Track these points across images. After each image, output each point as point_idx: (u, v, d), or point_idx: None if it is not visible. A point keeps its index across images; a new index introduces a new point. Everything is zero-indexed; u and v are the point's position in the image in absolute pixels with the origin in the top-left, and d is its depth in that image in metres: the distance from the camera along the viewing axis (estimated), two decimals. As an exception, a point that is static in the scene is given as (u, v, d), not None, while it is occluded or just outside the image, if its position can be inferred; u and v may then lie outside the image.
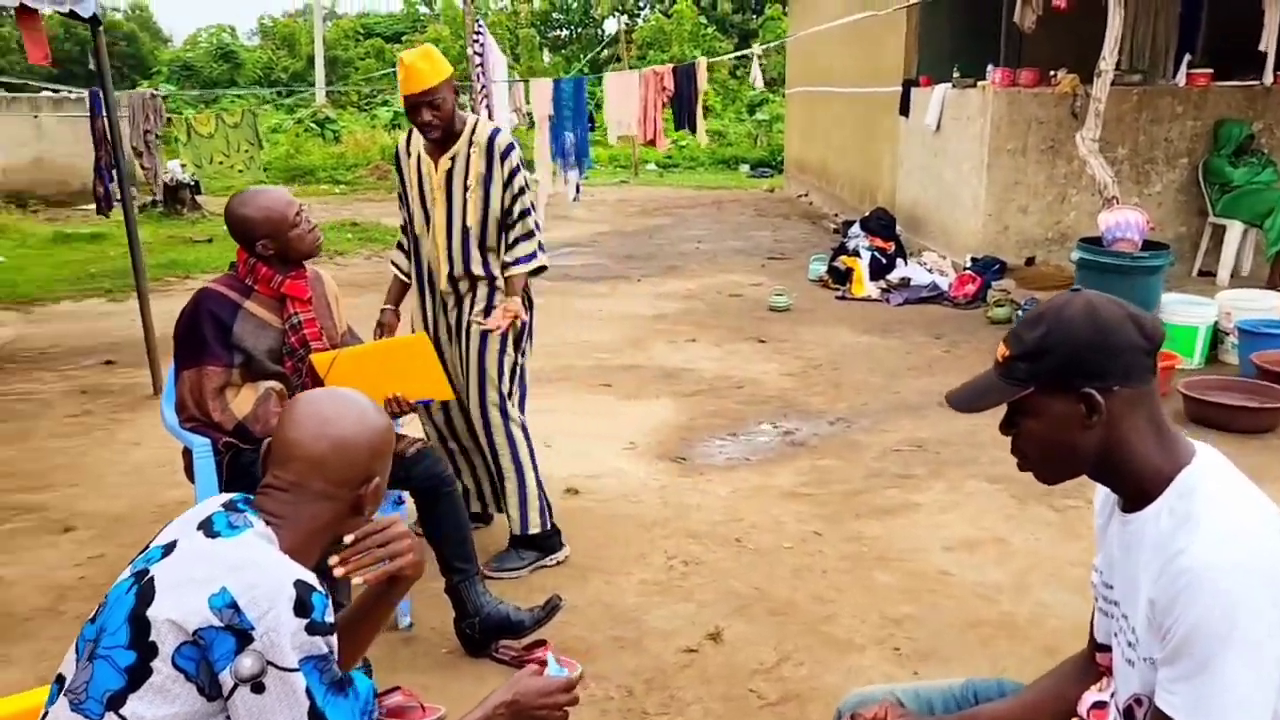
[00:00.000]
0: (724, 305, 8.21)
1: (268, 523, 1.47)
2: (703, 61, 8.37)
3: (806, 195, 15.96)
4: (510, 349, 3.60)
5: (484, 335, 3.54)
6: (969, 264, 8.30)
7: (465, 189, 3.49)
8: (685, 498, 4.29)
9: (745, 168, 21.67)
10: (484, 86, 7.80)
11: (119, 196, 6.09)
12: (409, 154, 3.60)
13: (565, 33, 39.62)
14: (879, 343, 6.92)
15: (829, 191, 14.43)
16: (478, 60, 7.80)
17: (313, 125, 22.84)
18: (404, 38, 37.37)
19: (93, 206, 11.10)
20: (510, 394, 3.63)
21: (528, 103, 8.21)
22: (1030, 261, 8.42)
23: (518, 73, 29.06)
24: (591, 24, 37.01)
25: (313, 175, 18.52)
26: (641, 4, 37.49)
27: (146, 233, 12.22)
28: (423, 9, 42.95)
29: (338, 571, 1.57)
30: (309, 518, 1.50)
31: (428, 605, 3.21)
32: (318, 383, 2.97)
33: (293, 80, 35.70)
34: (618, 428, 5.15)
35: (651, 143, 8.49)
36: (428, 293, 3.63)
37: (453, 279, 3.53)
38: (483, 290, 3.56)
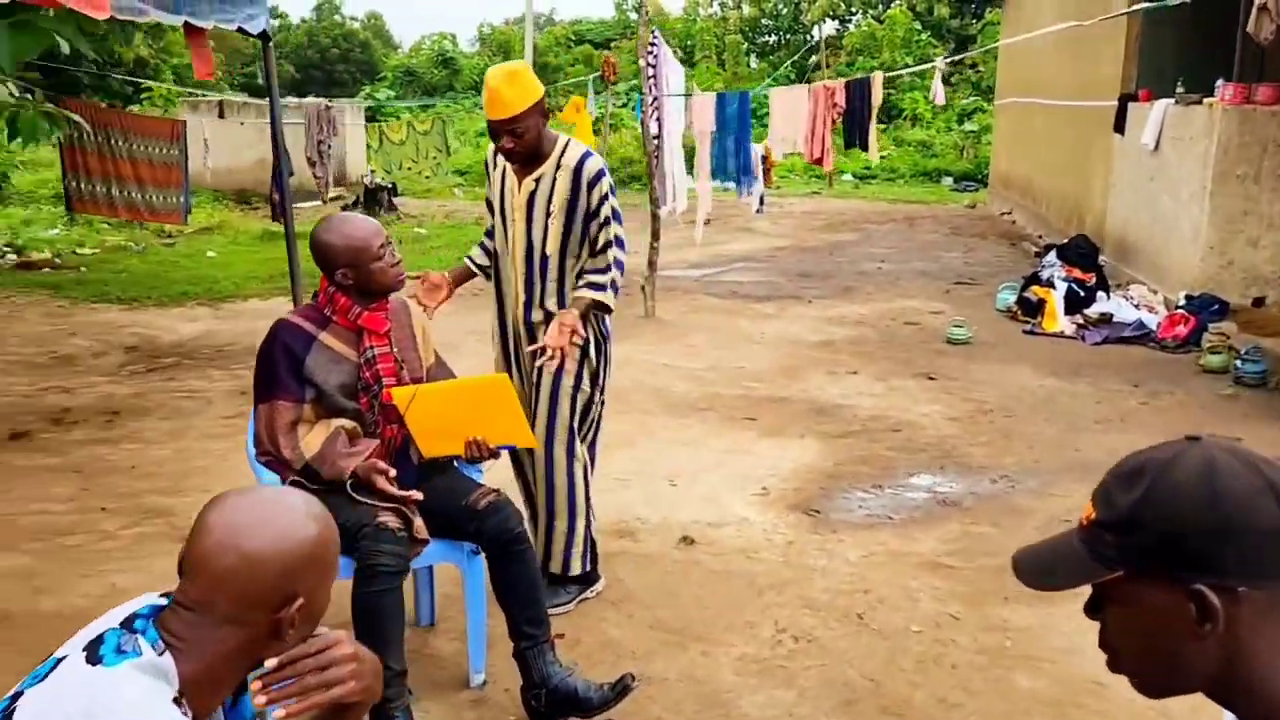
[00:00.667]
0: (896, 334, 7.67)
1: (168, 644, 1.26)
2: (878, 76, 7.85)
3: (1009, 213, 14.93)
4: (585, 385, 3.40)
5: (559, 369, 3.32)
6: (1183, 302, 7.39)
7: (547, 214, 3.28)
8: (810, 558, 3.90)
9: (948, 181, 20.63)
10: (655, 100, 7.60)
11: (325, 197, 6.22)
12: (495, 164, 3.43)
13: (773, 39, 39.24)
14: (1064, 387, 6.23)
15: (1034, 210, 13.42)
16: (650, 73, 7.61)
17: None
18: (612, 44, 38.10)
19: (310, 204, 11.67)
20: (580, 433, 3.43)
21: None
22: (1259, 302, 7.42)
23: (721, 81, 28.92)
24: (800, 30, 36.43)
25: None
26: (853, 9, 36.59)
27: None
28: (633, 15, 43.69)
29: (257, 701, 1.34)
30: (214, 642, 1.27)
31: (506, 662, 2.99)
32: (391, 420, 2.82)
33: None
34: (752, 469, 4.80)
35: (819, 161, 8.05)
36: (505, 315, 3.46)
37: (528, 307, 3.35)
38: (557, 303, 3.36)
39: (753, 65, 35.94)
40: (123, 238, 11.51)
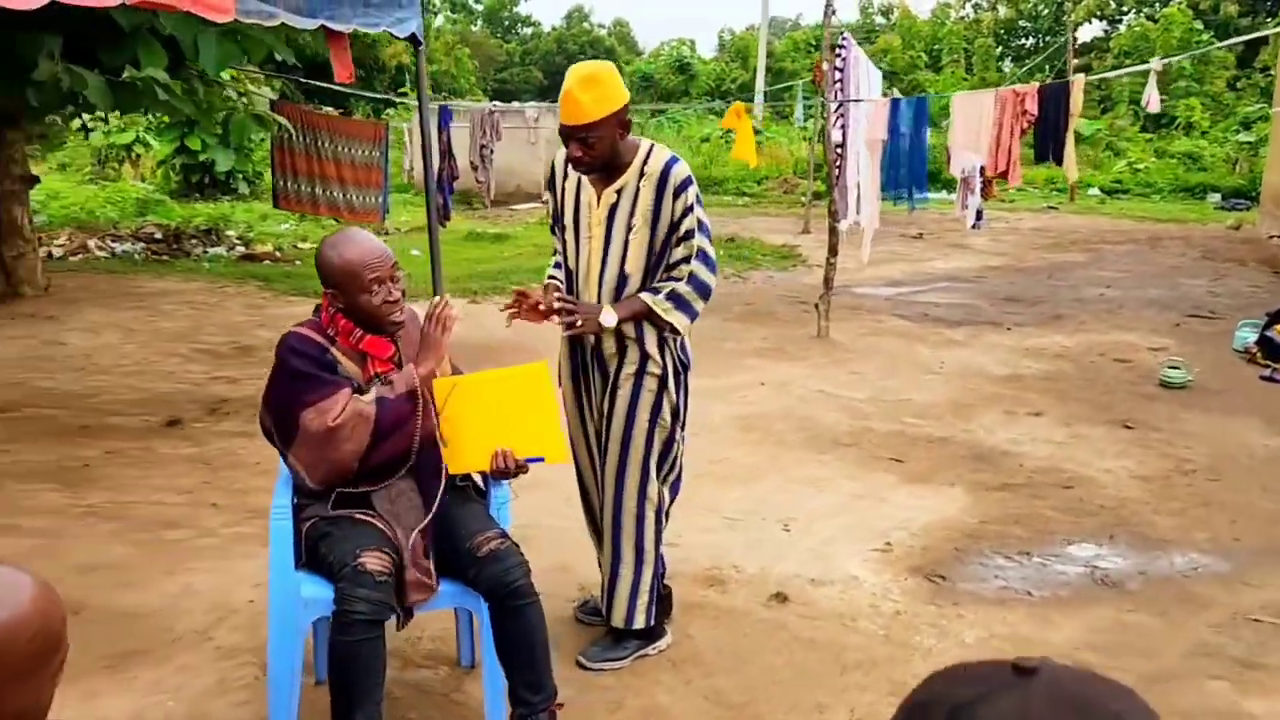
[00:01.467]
0: (1101, 372, 6.78)
1: None
2: (1079, 81, 6.92)
3: (1278, 237, 13.11)
4: (665, 418, 3.05)
5: (633, 399, 3.01)
6: None
7: (629, 229, 2.96)
8: (917, 635, 3.38)
9: (1215, 198, 18.48)
10: (840, 106, 7.10)
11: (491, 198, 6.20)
12: (565, 174, 3.11)
13: (1030, 41, 36.94)
14: (1295, 450, 5.24)
15: (1306, 235, 11.70)
16: (836, 76, 7.11)
17: (733, 137, 23.20)
18: (854, 49, 37.11)
19: (525, 206, 11.79)
20: (656, 472, 3.08)
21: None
22: None
23: (967, 87, 27.43)
24: (1060, 31, 34.04)
25: (722, 186, 18.74)
26: (1124, 8, 33.81)
27: (539, 235, 12.99)
28: (879, 19, 42.35)
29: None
30: None
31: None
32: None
33: (740, 91, 36.87)
34: (880, 519, 4.29)
35: (1003, 175, 7.22)
36: (575, 343, 3.14)
37: (600, 334, 3.03)
38: (634, 352, 3.01)
39: (1004, 69, 33.93)
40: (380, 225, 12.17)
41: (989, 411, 5.84)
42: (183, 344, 6.95)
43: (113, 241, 10.52)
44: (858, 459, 5.03)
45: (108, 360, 6.48)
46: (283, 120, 8.08)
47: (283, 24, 4.62)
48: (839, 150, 7.30)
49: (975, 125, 6.99)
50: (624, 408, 3.03)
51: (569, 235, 3.10)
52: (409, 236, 12.69)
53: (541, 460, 2.73)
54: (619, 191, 2.99)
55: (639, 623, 3.14)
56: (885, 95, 8.43)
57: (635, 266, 2.98)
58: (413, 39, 5.22)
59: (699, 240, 2.99)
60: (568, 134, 2.86)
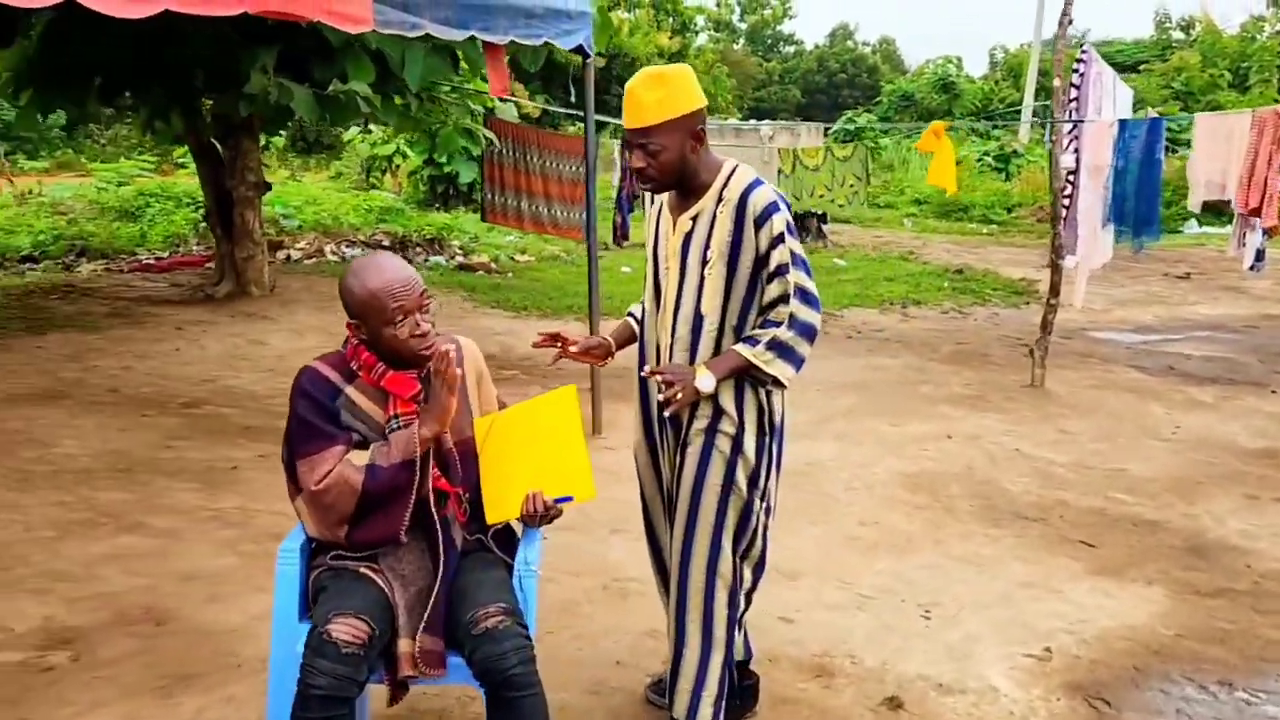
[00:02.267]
0: (1385, 455, 5.56)
1: None
2: None
3: None
4: (740, 485, 2.59)
5: (703, 460, 2.59)
6: None
7: (704, 262, 2.55)
8: (1053, 777, 2.73)
9: None
10: (1074, 127, 6.25)
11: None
12: (653, 200, 2.76)
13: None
14: None
15: None
16: (1073, 94, 6.27)
17: (990, 159, 21.75)
18: (1141, 67, 34.06)
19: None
20: (730, 546, 2.63)
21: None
22: None
23: None
24: None
25: (966, 214, 17.54)
26: None
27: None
28: (1176, 34, 38.66)
29: None
30: None
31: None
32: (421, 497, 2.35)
33: (1008, 111, 34.86)
34: (1046, 617, 3.59)
35: (1255, 212, 5.98)
36: (648, 393, 2.74)
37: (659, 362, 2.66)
38: (706, 405, 2.58)
39: (1326, 90, 29.97)
40: (560, 248, 12.30)
41: (1223, 493, 4.88)
42: (370, 350, 7.12)
43: (346, 247, 11.13)
44: (1038, 538, 4.31)
45: (298, 362, 6.64)
46: (489, 134, 8.17)
47: (513, 40, 4.57)
48: (1070, 178, 6.44)
49: (1223, 152, 5.92)
50: (692, 469, 2.61)
51: (649, 266, 2.74)
52: (624, 255, 12.66)
53: (571, 500, 2.42)
54: (694, 218, 2.59)
55: (704, 717, 2.71)
56: (1139, 116, 7.40)
57: (711, 306, 2.56)
58: (580, 50, 5.02)
59: (795, 275, 2.54)
60: (630, 139, 2.51)
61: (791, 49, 57.81)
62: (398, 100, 7.89)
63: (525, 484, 2.43)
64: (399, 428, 2.34)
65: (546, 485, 2.42)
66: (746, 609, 2.81)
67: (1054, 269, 6.57)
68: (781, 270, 2.53)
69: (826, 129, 24.80)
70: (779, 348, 2.52)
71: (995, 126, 28.60)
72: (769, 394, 2.63)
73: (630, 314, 2.90)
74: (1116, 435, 5.77)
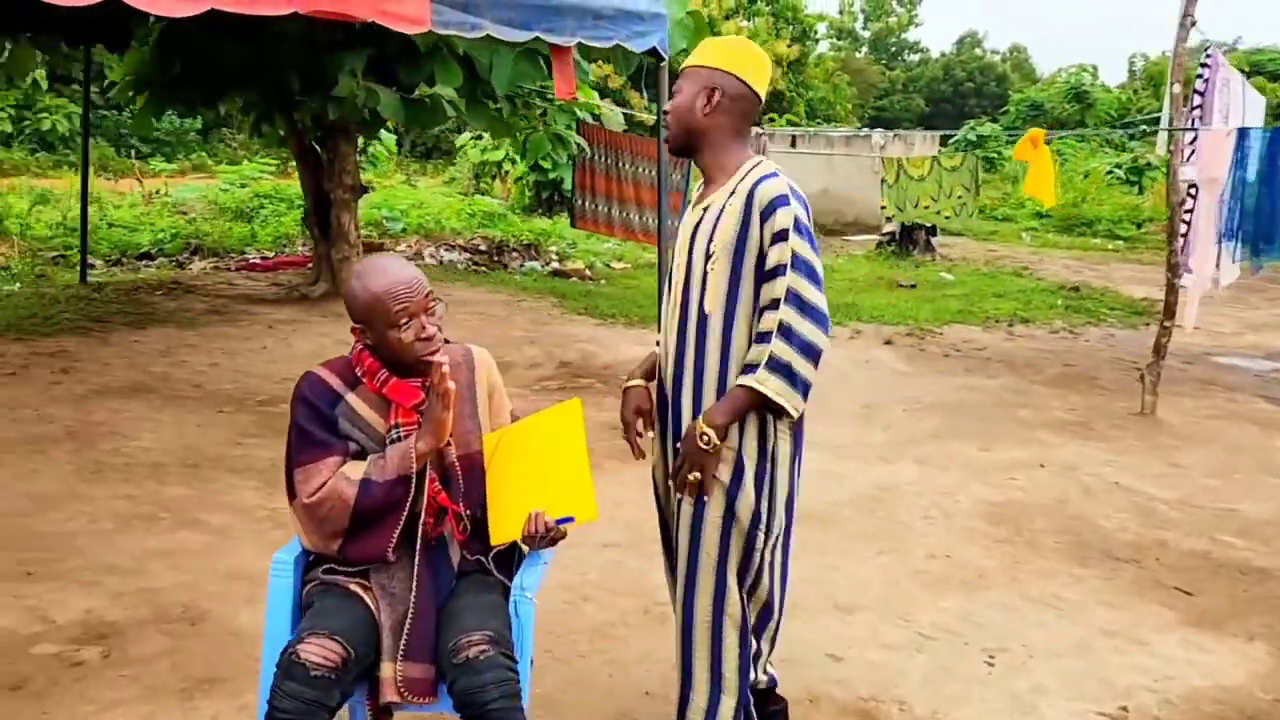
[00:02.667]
0: None
1: None
2: None
3: None
4: (741, 515, 2.36)
5: (702, 489, 2.36)
6: None
7: (708, 256, 2.36)
8: None
9: None
10: (1195, 139, 5.78)
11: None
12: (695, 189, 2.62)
13: None
14: None
15: None
16: (1196, 101, 5.81)
17: (1120, 172, 20.69)
18: (1295, 76, 31.99)
19: (860, 238, 11.12)
20: (736, 582, 2.41)
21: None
22: None
23: None
24: None
25: (1090, 228, 16.68)
26: None
27: (861, 269, 12.22)
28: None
29: None
30: None
31: None
32: (429, 512, 2.24)
33: (1145, 122, 33.25)
34: (1127, 671, 3.26)
35: None
36: (665, 393, 2.52)
37: (676, 387, 2.43)
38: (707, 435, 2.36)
39: None
40: (656, 256, 12.17)
41: (1349, 540, 4.40)
42: (451, 354, 7.12)
43: (445, 250, 11.25)
44: (1129, 581, 3.94)
45: (377, 364, 6.76)
46: (580, 140, 8.10)
47: (580, 42, 4.49)
48: (1191, 191, 5.96)
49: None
50: (690, 503, 2.40)
51: (671, 261, 2.56)
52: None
53: (572, 520, 2.26)
54: (705, 209, 2.42)
55: (715, 768, 2.50)
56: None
57: (715, 305, 2.35)
58: (654, 53, 4.88)
59: (791, 279, 2.26)
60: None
61: (916, 57, 56.56)
62: (491, 106, 7.90)
63: (528, 503, 2.29)
64: (399, 438, 2.23)
65: (549, 505, 2.27)
66: (770, 652, 2.61)
67: (1169, 288, 6.09)
68: (778, 271, 2.27)
69: (947, 138, 24.04)
70: (780, 369, 2.25)
71: (1132, 136, 27.27)
72: (771, 421, 2.37)
73: (659, 343, 2.68)
74: (1232, 471, 5.29)
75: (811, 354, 2.28)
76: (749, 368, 2.29)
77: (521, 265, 11.03)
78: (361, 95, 6.27)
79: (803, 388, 2.28)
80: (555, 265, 11.08)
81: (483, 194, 17.23)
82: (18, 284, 8.68)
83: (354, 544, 2.21)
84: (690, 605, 2.43)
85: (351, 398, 2.27)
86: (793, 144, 16.47)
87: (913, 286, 10.85)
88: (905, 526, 4.45)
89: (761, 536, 2.40)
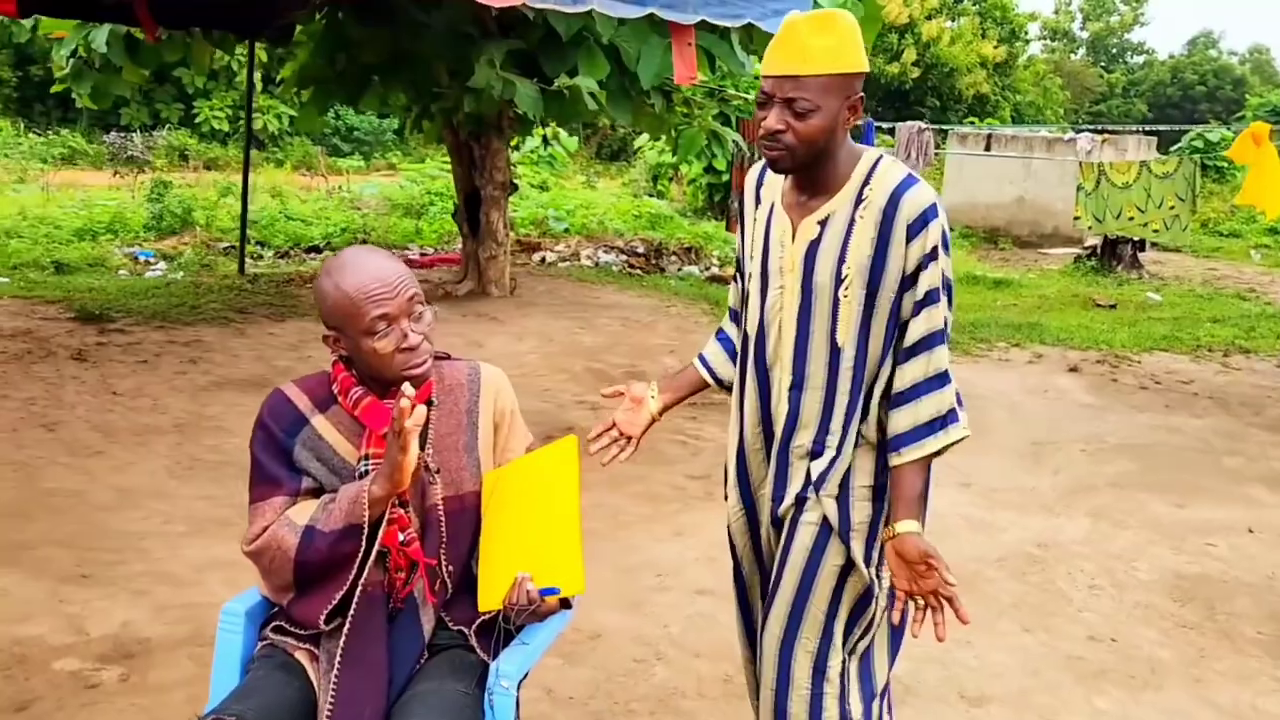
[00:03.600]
0: None
1: None
2: None
3: None
4: (862, 564, 1.96)
5: (821, 538, 1.96)
6: None
7: (838, 280, 1.90)
8: None
9: None
10: None
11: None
12: (758, 199, 2.07)
13: None
14: None
15: None
16: None
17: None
18: None
19: (1058, 251, 10.17)
20: (848, 641, 2.01)
21: None
22: None
23: None
24: None
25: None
26: None
27: (1054, 285, 11.11)
28: None
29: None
30: None
31: None
32: (398, 568, 1.85)
33: None
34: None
35: None
36: (750, 432, 2.07)
37: (788, 438, 1.99)
38: (841, 463, 1.95)
39: None
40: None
41: None
42: (583, 360, 6.76)
43: (602, 252, 10.97)
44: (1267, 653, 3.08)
45: (505, 367, 6.47)
46: (736, 136, 7.58)
47: (703, 23, 4.05)
48: None
49: None
50: (807, 542, 1.97)
51: (753, 284, 2.04)
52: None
53: (557, 592, 1.79)
54: (823, 222, 1.92)
55: None
56: None
57: (848, 336, 1.92)
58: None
59: (943, 307, 1.88)
60: (771, 92, 1.85)
61: (1140, 59, 52.47)
62: (646, 101, 7.50)
63: (516, 563, 1.84)
64: (368, 472, 1.82)
65: (537, 569, 1.81)
66: None
67: None
68: (931, 298, 1.86)
69: (1168, 143, 21.96)
70: (935, 425, 1.90)
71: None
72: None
73: (702, 357, 2.24)
74: None
75: (949, 383, 1.92)
76: (923, 429, 1.91)
77: (679, 269, 10.59)
78: (498, 86, 6.01)
79: (954, 418, 1.92)
80: (714, 270, 10.58)
81: (658, 196, 16.95)
82: (181, 273, 8.98)
83: (300, 603, 1.82)
84: (786, 670, 1.99)
85: (319, 421, 1.88)
86: (987, 146, 15.32)
87: (1112, 307, 9.70)
88: (1063, 597, 3.70)
89: (881, 581, 1.99)
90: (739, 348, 2.12)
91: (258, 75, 13.44)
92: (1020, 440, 5.58)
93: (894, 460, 1.91)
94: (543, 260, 10.60)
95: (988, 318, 8.99)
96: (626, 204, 14.06)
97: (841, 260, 1.89)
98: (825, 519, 1.95)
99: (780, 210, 1.98)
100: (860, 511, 1.95)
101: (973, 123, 27.42)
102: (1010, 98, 37.39)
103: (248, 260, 9.53)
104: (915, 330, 1.87)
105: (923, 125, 7.10)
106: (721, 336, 2.22)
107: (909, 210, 1.84)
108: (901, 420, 1.89)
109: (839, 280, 1.89)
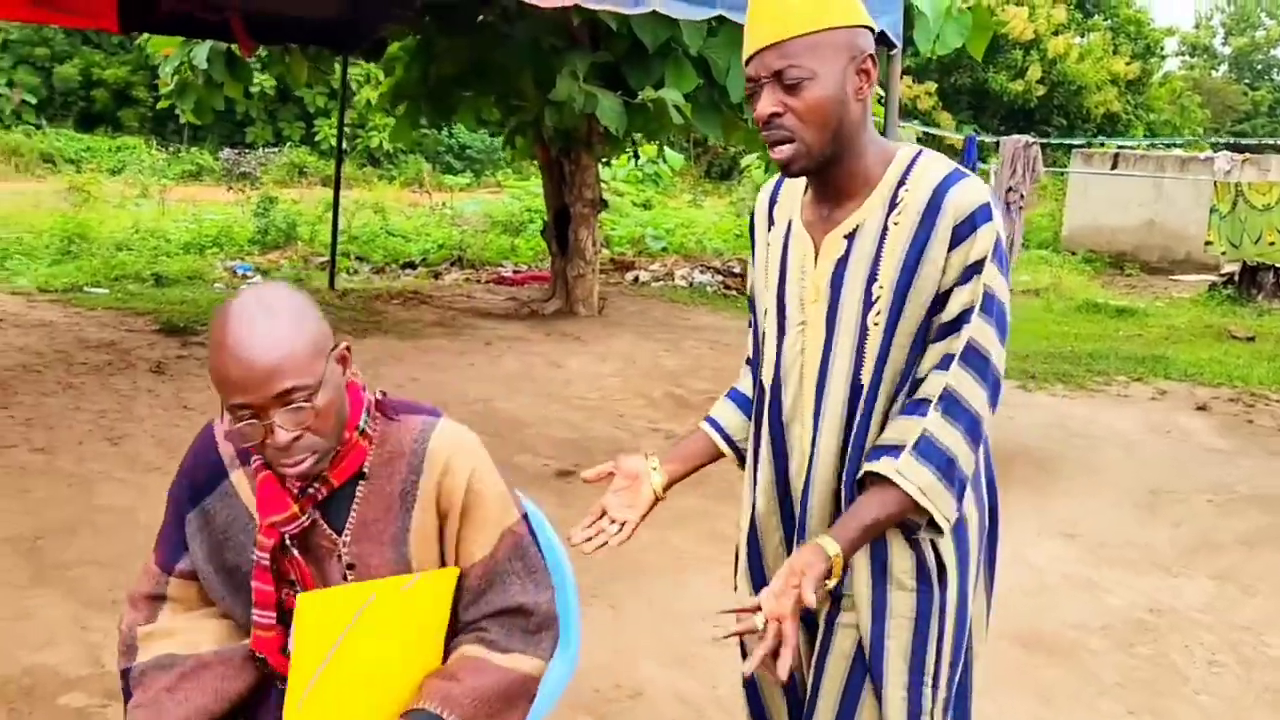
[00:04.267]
0: None
1: None
2: None
3: None
4: (929, 682, 1.58)
5: (878, 643, 1.56)
6: None
7: (868, 301, 1.53)
8: None
9: None
10: None
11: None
12: (771, 219, 1.69)
13: None
14: None
15: None
16: None
17: None
18: None
19: (1191, 278, 9.49)
20: None
21: None
22: None
23: None
24: None
25: None
26: None
27: (1184, 315, 10.34)
28: None
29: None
30: None
31: None
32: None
33: None
34: None
35: None
36: (763, 506, 1.69)
37: (807, 491, 1.60)
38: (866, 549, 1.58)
39: None
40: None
41: None
42: (663, 385, 6.48)
43: (697, 272, 10.68)
44: None
45: (580, 390, 6.25)
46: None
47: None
48: None
49: None
50: (847, 650, 1.58)
51: (769, 323, 1.66)
52: (1025, 298, 11.00)
53: None
54: (851, 235, 1.55)
55: None
56: None
57: (871, 371, 1.53)
58: (882, 39, 3.96)
59: (976, 328, 1.48)
60: (755, 75, 1.50)
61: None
62: (738, 115, 7.20)
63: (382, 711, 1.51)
64: (255, 558, 1.51)
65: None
66: None
67: None
68: (963, 318, 1.47)
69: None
70: (933, 457, 1.46)
71: None
72: (927, 539, 1.56)
73: (712, 419, 1.83)
74: None
75: (975, 437, 1.51)
76: (886, 450, 1.49)
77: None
78: (580, 99, 5.82)
79: (959, 487, 1.50)
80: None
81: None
82: (274, 287, 9.07)
83: None
84: None
85: (238, 477, 1.54)
86: (1113, 165, 14.45)
87: (1250, 339, 8.91)
88: (1178, 675, 3.22)
89: (929, 698, 1.58)
90: (754, 397, 1.74)
91: (373, 94, 13.66)
92: (1136, 487, 5.05)
93: (866, 464, 1.51)
94: (635, 279, 10.39)
95: (1108, 349, 8.35)
96: (729, 223, 13.75)
97: (872, 278, 1.50)
98: (854, 653, 1.57)
99: (800, 230, 1.60)
100: (902, 602, 1.54)
101: (1101, 142, 26.18)
102: (1143, 116, 35.62)
103: (343, 275, 9.59)
104: (931, 355, 1.49)
105: (1030, 139, 6.57)
106: (734, 394, 1.83)
107: (956, 210, 1.46)
108: (894, 432, 1.50)
109: (868, 304, 1.51)
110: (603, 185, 8.92)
